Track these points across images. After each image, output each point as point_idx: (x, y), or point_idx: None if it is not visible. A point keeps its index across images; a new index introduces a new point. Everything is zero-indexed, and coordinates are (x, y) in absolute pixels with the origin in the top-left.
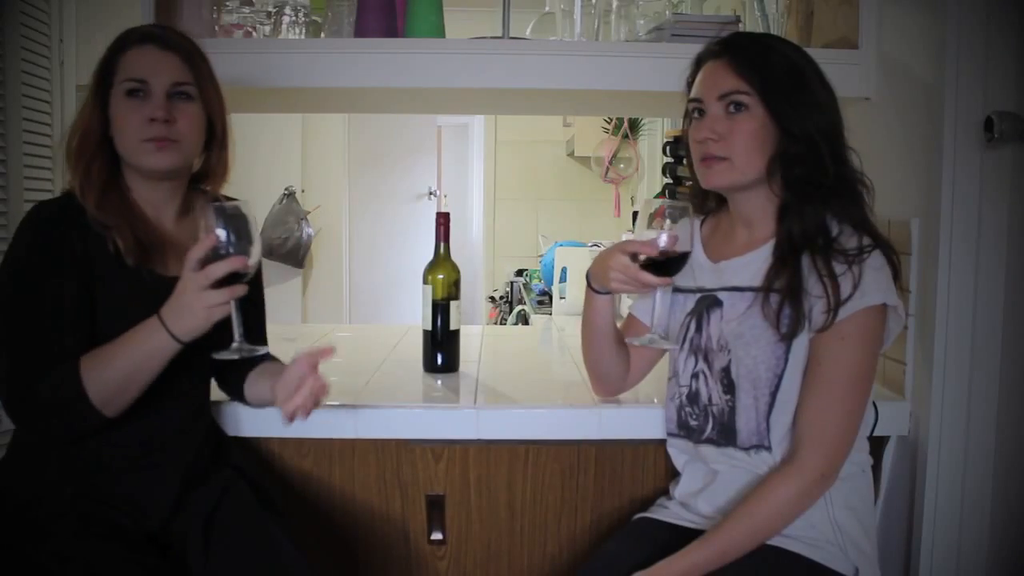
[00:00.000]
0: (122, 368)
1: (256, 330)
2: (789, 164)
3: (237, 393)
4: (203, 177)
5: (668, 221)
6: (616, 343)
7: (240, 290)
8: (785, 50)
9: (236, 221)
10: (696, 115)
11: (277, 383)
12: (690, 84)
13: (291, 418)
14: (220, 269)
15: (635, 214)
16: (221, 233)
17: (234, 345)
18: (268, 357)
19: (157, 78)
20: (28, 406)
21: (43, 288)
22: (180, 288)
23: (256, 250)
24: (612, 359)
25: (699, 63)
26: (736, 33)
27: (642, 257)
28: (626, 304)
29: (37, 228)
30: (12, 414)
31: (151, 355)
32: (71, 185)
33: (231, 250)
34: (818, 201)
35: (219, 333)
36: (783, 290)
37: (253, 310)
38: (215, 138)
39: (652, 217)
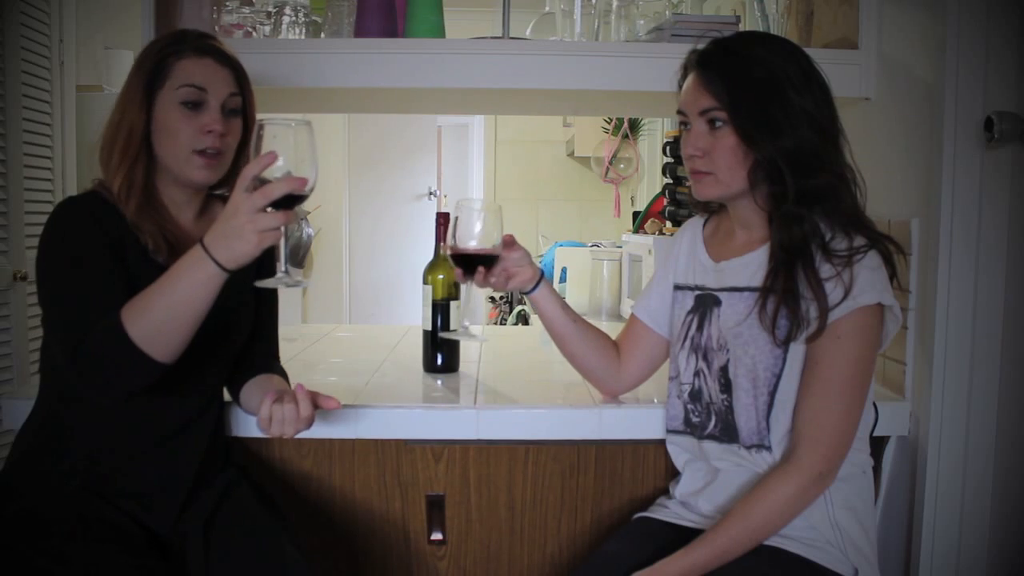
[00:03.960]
0: (163, 304)
1: (270, 346)
2: (761, 181)
3: (235, 394)
4: (224, 182)
5: (479, 223)
6: (580, 336)
7: (294, 216)
8: (764, 59)
9: (296, 137)
10: (684, 127)
11: (267, 393)
12: (681, 86)
13: (265, 419)
14: (279, 189)
15: (635, 214)
16: (279, 151)
17: (279, 274)
18: (275, 370)
19: (215, 92)
20: (82, 362)
21: (86, 260)
22: (230, 211)
23: (314, 171)
24: (586, 352)
25: (685, 68)
26: (715, 42)
27: (449, 253)
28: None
29: (70, 218)
30: (74, 376)
31: (194, 287)
32: (100, 186)
33: (288, 171)
34: (798, 212)
35: (245, 319)
36: (778, 296)
37: (268, 326)
38: (245, 147)
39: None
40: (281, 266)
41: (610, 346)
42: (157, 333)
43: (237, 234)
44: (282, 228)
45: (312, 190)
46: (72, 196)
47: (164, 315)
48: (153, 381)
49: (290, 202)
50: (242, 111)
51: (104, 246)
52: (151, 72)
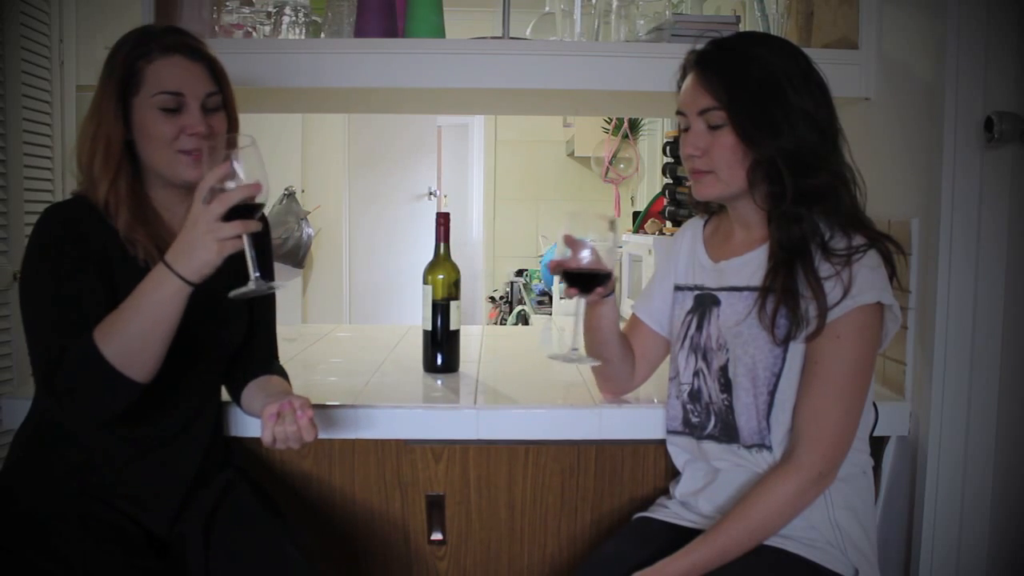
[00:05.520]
0: (135, 323)
1: (268, 346)
2: (760, 180)
3: (235, 396)
4: None
5: (589, 241)
6: (621, 345)
7: (253, 225)
8: (763, 58)
9: (247, 154)
10: (683, 128)
11: (265, 407)
12: (680, 88)
13: (269, 442)
14: (236, 195)
15: (635, 214)
16: (234, 165)
17: (250, 283)
18: (274, 370)
19: (192, 92)
20: (58, 388)
21: (68, 277)
22: (189, 223)
23: (266, 183)
24: (617, 363)
25: (684, 69)
26: (713, 42)
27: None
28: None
29: (55, 226)
30: (51, 401)
31: (160, 303)
32: (85, 191)
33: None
34: (797, 211)
35: (235, 318)
36: (778, 295)
37: (265, 326)
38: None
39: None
40: (252, 273)
41: (631, 351)
42: (131, 352)
43: (198, 244)
44: (244, 236)
45: (266, 200)
46: (58, 203)
47: (136, 333)
48: (130, 403)
49: (247, 212)
50: (223, 104)
51: (85, 261)
52: (122, 80)
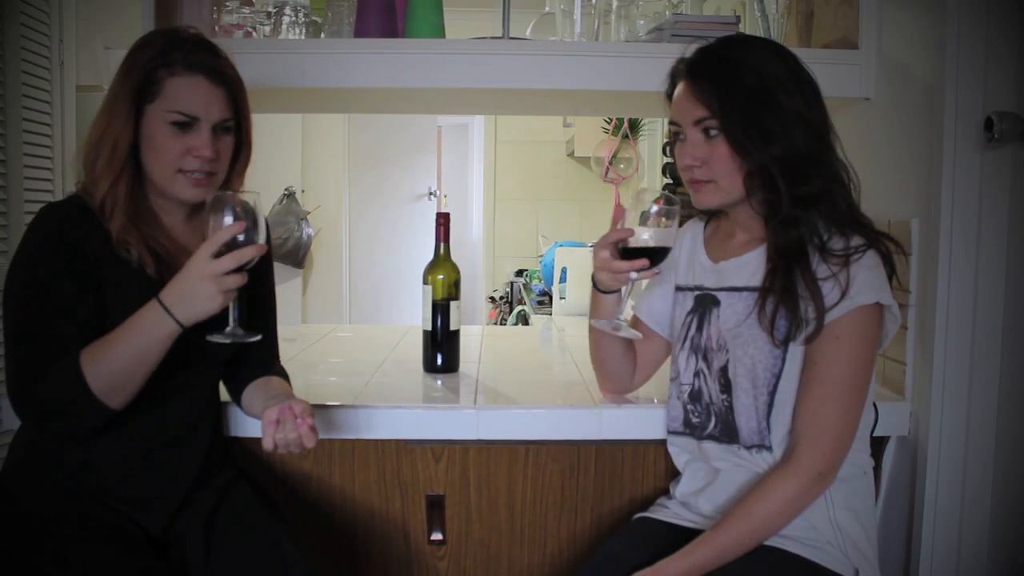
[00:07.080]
0: (124, 358)
1: (268, 347)
2: (756, 188)
3: (235, 397)
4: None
5: (663, 219)
6: (623, 344)
7: (243, 279)
8: (753, 64)
9: (250, 213)
10: (678, 138)
11: (265, 411)
12: (669, 96)
13: (270, 448)
14: (248, 253)
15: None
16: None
17: (228, 330)
18: (275, 371)
19: (207, 115)
20: (33, 406)
21: (53, 289)
22: (195, 274)
23: (263, 239)
24: (620, 359)
25: (673, 78)
26: (702, 50)
27: (620, 246)
28: (627, 305)
29: (47, 231)
30: (20, 415)
31: (155, 343)
32: (83, 191)
33: (249, 237)
34: (794, 215)
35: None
36: (777, 296)
37: (265, 327)
38: (239, 157)
39: (644, 215)
40: (231, 322)
41: (633, 349)
42: (116, 385)
43: (205, 295)
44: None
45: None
46: (52, 204)
47: (125, 369)
48: (97, 427)
49: (243, 266)
50: (236, 126)
51: (72, 269)
52: (139, 84)
